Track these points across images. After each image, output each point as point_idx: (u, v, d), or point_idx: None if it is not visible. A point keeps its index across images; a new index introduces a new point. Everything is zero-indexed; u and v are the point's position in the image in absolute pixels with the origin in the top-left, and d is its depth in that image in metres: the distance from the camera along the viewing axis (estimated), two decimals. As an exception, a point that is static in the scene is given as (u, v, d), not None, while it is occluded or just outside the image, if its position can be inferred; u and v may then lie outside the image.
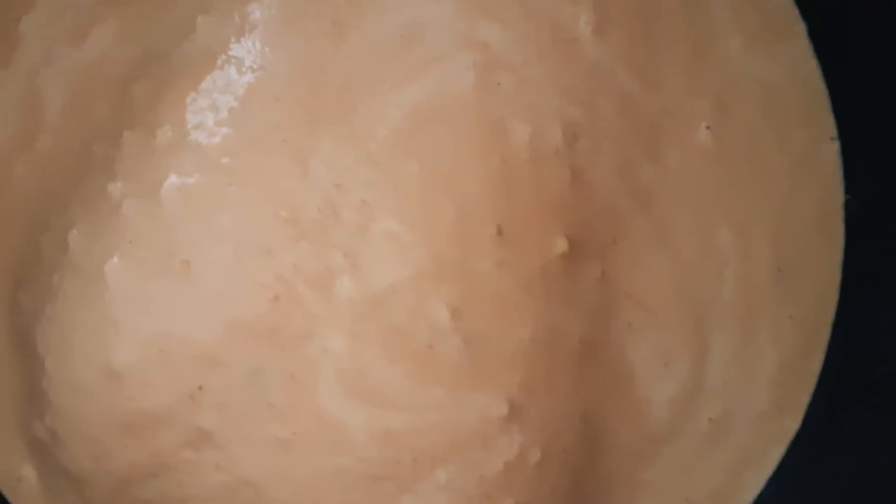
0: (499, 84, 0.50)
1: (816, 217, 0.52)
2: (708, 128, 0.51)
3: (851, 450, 0.52)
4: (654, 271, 0.51)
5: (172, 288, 0.49)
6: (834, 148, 0.53)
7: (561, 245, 0.49)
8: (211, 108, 0.50)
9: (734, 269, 0.51)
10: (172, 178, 0.49)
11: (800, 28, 0.52)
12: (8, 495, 0.54)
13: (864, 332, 0.52)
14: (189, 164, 0.49)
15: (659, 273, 0.51)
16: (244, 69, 0.50)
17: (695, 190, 0.51)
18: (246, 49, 0.50)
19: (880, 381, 0.52)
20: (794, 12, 0.52)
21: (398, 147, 0.49)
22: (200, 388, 0.49)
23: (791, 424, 0.52)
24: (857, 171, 0.52)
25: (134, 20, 0.53)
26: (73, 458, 0.51)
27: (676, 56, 0.51)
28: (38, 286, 0.52)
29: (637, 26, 0.51)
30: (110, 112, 0.52)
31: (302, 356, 0.49)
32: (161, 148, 0.50)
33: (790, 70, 0.52)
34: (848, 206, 0.53)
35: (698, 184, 0.51)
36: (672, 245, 0.51)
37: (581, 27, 0.50)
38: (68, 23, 0.53)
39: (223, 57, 0.50)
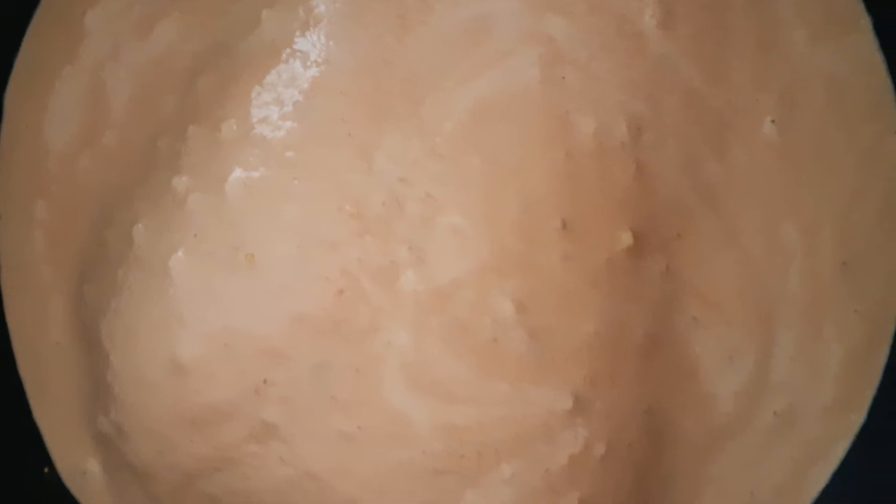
0: (564, 78, 0.49)
1: (883, 211, 0.52)
2: (773, 122, 0.51)
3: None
4: (720, 266, 0.51)
5: (237, 282, 0.49)
6: (900, 142, 0.52)
7: (626, 239, 0.49)
8: (276, 102, 0.50)
9: (800, 264, 0.51)
10: (237, 172, 0.49)
11: (865, 22, 0.52)
12: (73, 489, 0.54)
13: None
14: (254, 158, 0.49)
15: (724, 268, 0.51)
16: (309, 63, 0.50)
17: (760, 185, 0.51)
18: (311, 43, 0.50)
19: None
20: (860, 6, 0.52)
21: (463, 141, 0.49)
22: (265, 381, 0.49)
23: (856, 419, 0.52)
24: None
25: (199, 14, 0.53)
26: (137, 453, 0.51)
27: (741, 50, 0.51)
28: (103, 281, 0.52)
29: (702, 21, 0.51)
30: (175, 106, 0.53)
31: (366, 350, 0.49)
32: (226, 142, 0.50)
33: (856, 64, 0.52)
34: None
35: (764, 179, 0.51)
36: (737, 240, 0.51)
37: (646, 21, 0.50)
38: (133, 17, 0.54)
39: (288, 51, 0.50)
